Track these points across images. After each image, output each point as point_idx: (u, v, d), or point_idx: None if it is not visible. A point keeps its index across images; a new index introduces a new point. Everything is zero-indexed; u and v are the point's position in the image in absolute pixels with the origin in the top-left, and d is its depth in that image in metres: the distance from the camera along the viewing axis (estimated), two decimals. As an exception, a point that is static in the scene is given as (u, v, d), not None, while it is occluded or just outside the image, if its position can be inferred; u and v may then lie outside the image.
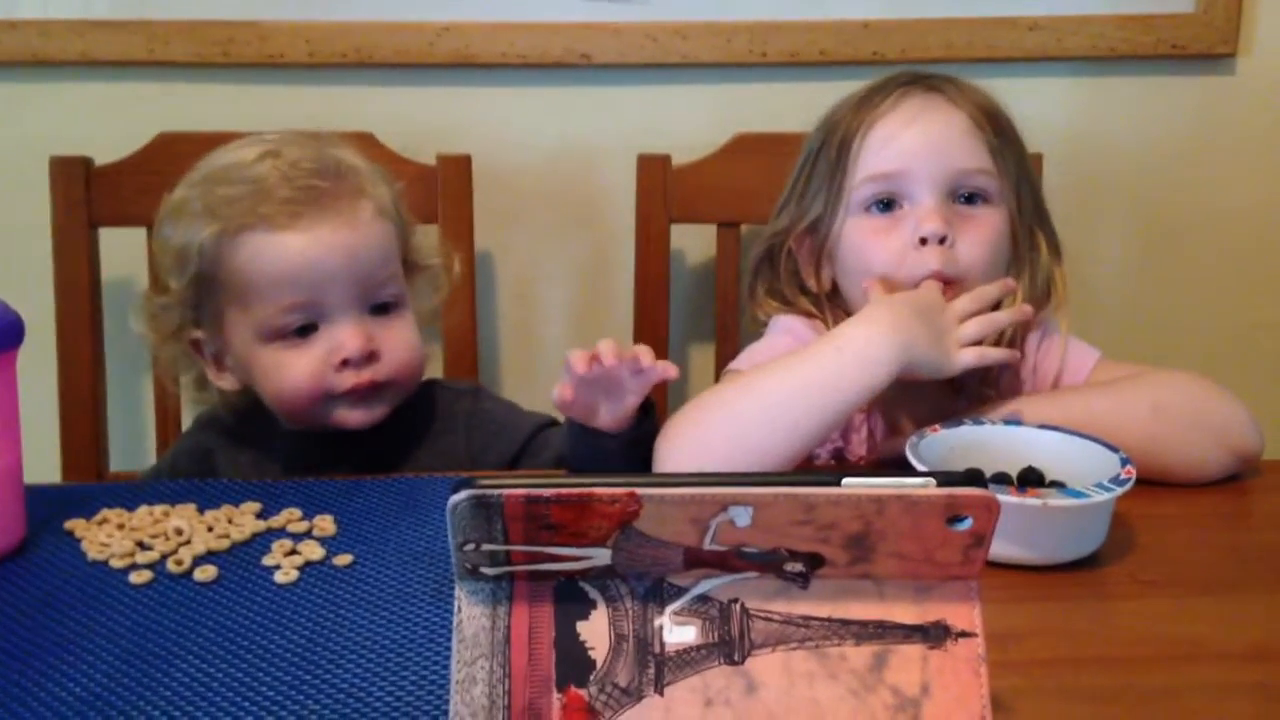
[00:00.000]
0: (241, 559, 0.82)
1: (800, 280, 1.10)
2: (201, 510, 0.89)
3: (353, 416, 1.01)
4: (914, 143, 1.01)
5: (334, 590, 0.77)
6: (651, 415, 0.97)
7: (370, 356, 1.00)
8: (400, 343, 1.02)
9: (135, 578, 0.79)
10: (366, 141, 1.35)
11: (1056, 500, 0.77)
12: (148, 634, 0.72)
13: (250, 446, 1.08)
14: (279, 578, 0.79)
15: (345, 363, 0.99)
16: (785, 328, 1.08)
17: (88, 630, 0.73)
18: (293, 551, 0.82)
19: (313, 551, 0.82)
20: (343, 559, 0.81)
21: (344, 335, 0.99)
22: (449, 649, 0.67)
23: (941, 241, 0.99)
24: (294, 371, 0.99)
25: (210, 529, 0.85)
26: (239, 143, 1.05)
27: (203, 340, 1.05)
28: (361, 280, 1.00)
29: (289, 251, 0.97)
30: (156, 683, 0.66)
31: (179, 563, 0.80)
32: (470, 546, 0.53)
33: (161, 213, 1.05)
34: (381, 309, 1.02)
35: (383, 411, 1.02)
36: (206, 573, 0.79)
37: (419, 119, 1.43)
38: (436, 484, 0.94)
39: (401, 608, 0.75)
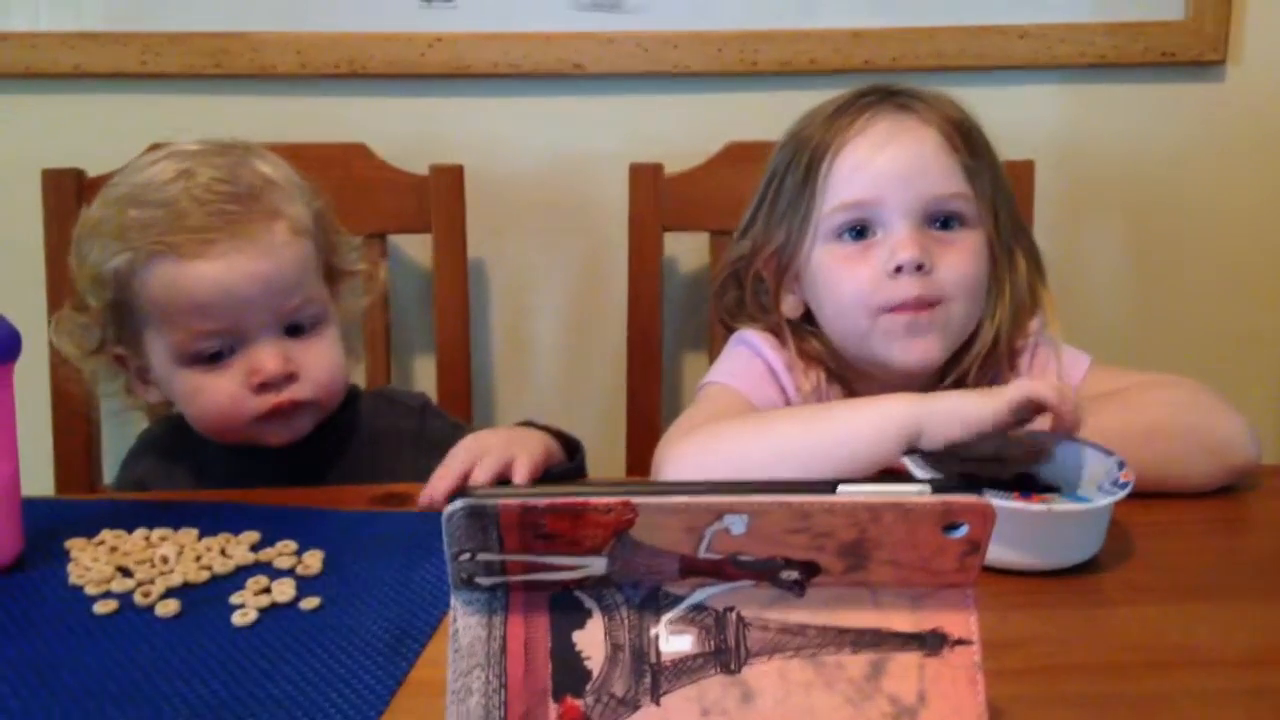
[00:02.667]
0: (212, 595, 0.79)
1: (768, 303, 1.07)
2: (201, 536, 0.87)
3: (276, 436, 1.02)
4: (886, 169, 0.98)
5: (283, 637, 0.73)
6: (578, 456, 1.03)
7: (289, 377, 1.00)
8: (319, 362, 1.02)
9: (99, 607, 0.77)
10: (359, 152, 1.35)
11: (1062, 505, 0.77)
12: (77, 667, 0.70)
13: (183, 462, 1.08)
14: (236, 619, 0.76)
15: (264, 385, 0.99)
16: (745, 340, 1.06)
17: (33, 659, 0.71)
18: (264, 590, 0.79)
19: (283, 592, 0.79)
20: (310, 602, 0.78)
21: (261, 358, 0.98)
22: (381, 709, 0.65)
23: (919, 269, 0.96)
24: (212, 395, 0.99)
25: (198, 558, 0.84)
26: (157, 154, 1.03)
27: (126, 356, 1.04)
28: (277, 304, 0.99)
29: (201, 281, 0.96)
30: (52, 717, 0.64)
31: (146, 594, 0.78)
32: (466, 556, 0.53)
33: (79, 227, 1.03)
34: (300, 328, 1.02)
35: (304, 428, 1.03)
36: (168, 607, 0.77)
37: (411, 129, 1.43)
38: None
39: (341, 664, 0.70)
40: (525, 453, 0.95)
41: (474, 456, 0.94)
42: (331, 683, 0.68)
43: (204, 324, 0.97)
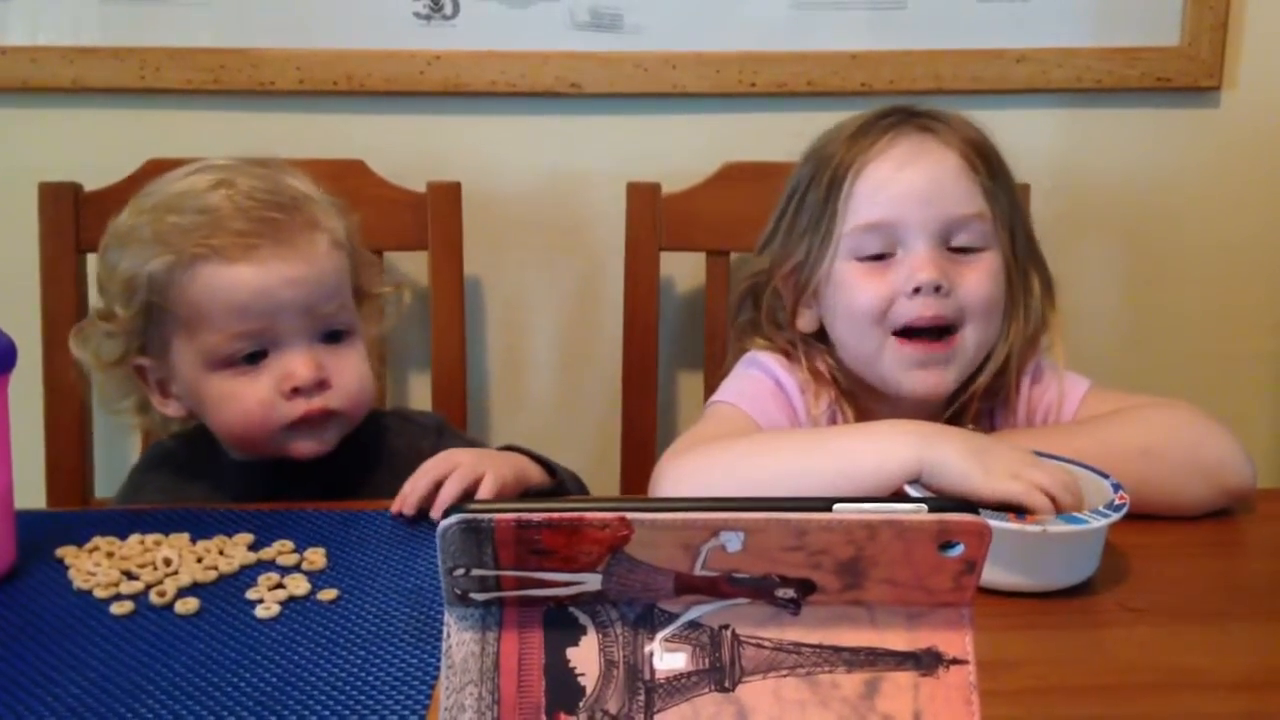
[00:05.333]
0: (226, 592, 0.81)
1: (783, 318, 1.08)
2: (194, 540, 0.88)
3: (303, 446, 1.01)
4: (907, 190, 0.99)
5: (314, 627, 0.76)
6: (557, 476, 1.04)
7: (320, 384, 0.99)
8: (350, 372, 1.02)
9: (116, 609, 0.78)
10: (357, 169, 1.35)
11: (1057, 526, 0.77)
12: (120, 667, 0.71)
13: (200, 478, 1.07)
14: (260, 612, 0.77)
15: (296, 391, 0.98)
16: (757, 362, 1.07)
17: (60, 661, 0.72)
18: (278, 585, 0.81)
19: (298, 586, 0.80)
20: (327, 594, 0.80)
21: (294, 363, 0.98)
22: (424, 691, 0.66)
23: (938, 290, 0.98)
24: (244, 401, 0.98)
25: (200, 560, 0.84)
26: (188, 169, 1.03)
27: (148, 367, 1.03)
28: (313, 310, 0.99)
29: (243, 284, 0.96)
30: (119, 718, 0.65)
31: (161, 594, 0.79)
32: (460, 572, 0.53)
33: (107, 238, 1.03)
34: (332, 338, 1.01)
35: (333, 441, 1.02)
36: (188, 605, 0.78)
37: (409, 146, 1.43)
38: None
39: (380, 648, 0.73)
40: (493, 470, 0.96)
41: (444, 471, 0.95)
42: (381, 666, 0.71)
43: (241, 325, 0.97)
